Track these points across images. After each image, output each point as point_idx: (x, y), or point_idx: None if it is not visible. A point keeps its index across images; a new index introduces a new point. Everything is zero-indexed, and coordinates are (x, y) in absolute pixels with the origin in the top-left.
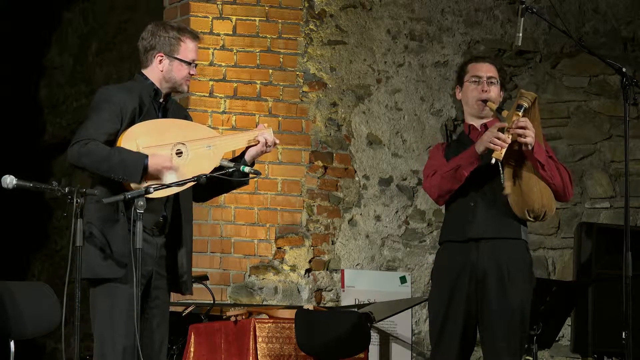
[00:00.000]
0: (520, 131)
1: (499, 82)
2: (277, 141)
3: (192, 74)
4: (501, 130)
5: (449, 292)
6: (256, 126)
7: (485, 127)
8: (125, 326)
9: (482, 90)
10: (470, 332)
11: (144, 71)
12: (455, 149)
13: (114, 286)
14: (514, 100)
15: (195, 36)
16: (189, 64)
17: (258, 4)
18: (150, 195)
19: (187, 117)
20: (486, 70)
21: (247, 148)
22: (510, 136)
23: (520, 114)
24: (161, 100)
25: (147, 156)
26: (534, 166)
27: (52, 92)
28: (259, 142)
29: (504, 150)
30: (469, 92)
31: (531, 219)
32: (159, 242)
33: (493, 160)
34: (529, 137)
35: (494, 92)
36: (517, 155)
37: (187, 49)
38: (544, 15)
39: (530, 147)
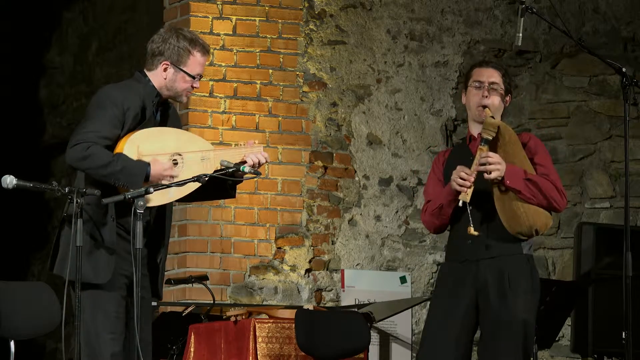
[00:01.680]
0: (482, 168)
1: (503, 88)
2: (268, 159)
3: (195, 87)
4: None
5: (448, 300)
6: (248, 136)
7: (480, 137)
8: (111, 330)
9: (483, 96)
10: (468, 339)
11: (148, 73)
12: (454, 161)
13: (98, 293)
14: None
15: (206, 51)
16: (193, 77)
17: (258, 4)
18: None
19: (179, 125)
20: (489, 75)
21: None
22: (475, 174)
23: (484, 148)
24: (160, 104)
25: (149, 164)
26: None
27: (52, 92)
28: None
29: (470, 192)
30: (470, 96)
31: (525, 238)
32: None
33: (460, 203)
34: (495, 171)
35: (495, 99)
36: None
37: (195, 62)
38: (544, 15)
39: (499, 179)
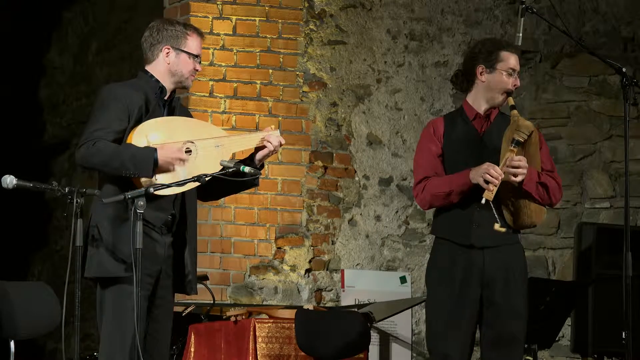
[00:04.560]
0: (513, 170)
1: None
2: (284, 141)
3: (198, 70)
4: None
5: (455, 294)
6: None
7: (487, 117)
8: (133, 326)
9: (514, 85)
10: (472, 334)
11: (148, 67)
12: (458, 139)
13: (123, 287)
14: (510, 123)
15: (200, 33)
16: (195, 56)
17: (258, 4)
18: (158, 192)
19: (189, 117)
20: (516, 64)
21: (256, 149)
22: (503, 173)
23: (515, 150)
24: (166, 98)
25: (156, 149)
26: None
27: (52, 92)
28: (265, 146)
29: (495, 190)
30: (500, 80)
31: (520, 231)
32: (167, 241)
33: (483, 201)
34: (521, 175)
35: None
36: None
37: (193, 42)
38: (544, 15)
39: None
